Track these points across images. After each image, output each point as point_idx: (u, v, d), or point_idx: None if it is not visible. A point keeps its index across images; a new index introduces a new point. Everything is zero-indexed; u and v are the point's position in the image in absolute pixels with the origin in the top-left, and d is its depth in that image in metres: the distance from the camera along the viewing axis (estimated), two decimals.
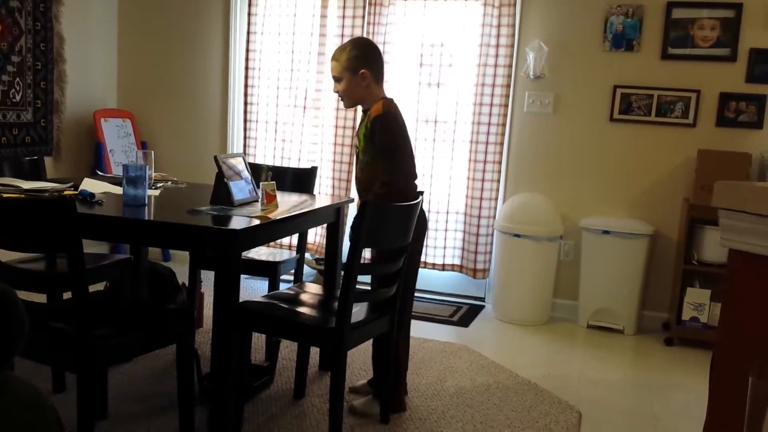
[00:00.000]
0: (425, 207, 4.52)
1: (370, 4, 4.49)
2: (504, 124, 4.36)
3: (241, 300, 2.43)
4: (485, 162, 4.37)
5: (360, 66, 2.72)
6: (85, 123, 4.87)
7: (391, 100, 2.80)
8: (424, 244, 3.02)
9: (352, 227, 2.37)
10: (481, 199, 4.41)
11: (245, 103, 4.86)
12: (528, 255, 4.18)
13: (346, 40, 4.50)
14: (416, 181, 2.88)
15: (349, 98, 2.81)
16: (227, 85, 4.97)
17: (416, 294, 4.61)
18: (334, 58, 2.78)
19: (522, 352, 3.75)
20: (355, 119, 4.55)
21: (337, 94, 2.87)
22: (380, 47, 4.41)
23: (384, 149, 2.69)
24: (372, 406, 2.83)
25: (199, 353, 2.97)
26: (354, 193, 4.62)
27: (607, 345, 3.96)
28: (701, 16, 4.03)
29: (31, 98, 4.42)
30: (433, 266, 4.59)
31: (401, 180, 2.74)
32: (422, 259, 4.55)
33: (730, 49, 4.00)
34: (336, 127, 4.61)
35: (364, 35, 4.50)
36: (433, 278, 4.69)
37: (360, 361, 3.37)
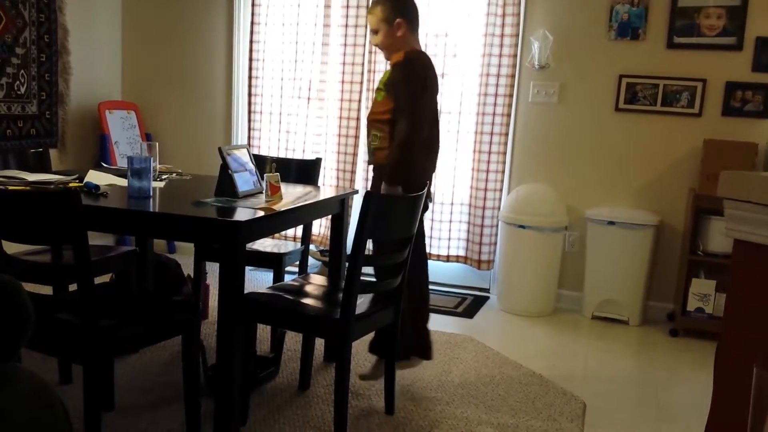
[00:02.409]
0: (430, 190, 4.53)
1: None
2: (509, 115, 4.34)
3: (246, 291, 2.43)
4: (490, 153, 4.36)
5: (395, 15, 2.77)
6: (89, 115, 4.87)
7: (418, 51, 2.80)
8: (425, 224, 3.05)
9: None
10: (485, 189, 4.40)
11: (249, 95, 4.85)
12: (533, 246, 4.18)
13: (350, 30, 4.51)
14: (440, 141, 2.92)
15: (387, 49, 2.83)
16: (231, 77, 4.96)
17: None
18: (370, 11, 2.84)
19: (527, 343, 3.75)
20: (359, 110, 4.55)
21: (376, 48, 2.94)
22: None
23: (400, 99, 2.69)
24: (380, 366, 2.89)
25: (205, 344, 2.99)
26: (358, 185, 4.64)
27: (612, 336, 3.96)
28: (707, 5, 4.00)
29: (35, 90, 4.42)
30: (438, 257, 4.59)
31: (425, 127, 2.73)
32: (427, 250, 4.57)
33: (737, 38, 3.98)
34: (340, 118, 4.60)
35: (368, 25, 4.48)
36: (437, 269, 4.69)
37: (365, 352, 3.37)
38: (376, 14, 2.80)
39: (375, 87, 2.91)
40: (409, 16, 2.78)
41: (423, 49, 4.42)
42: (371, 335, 2.98)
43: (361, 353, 3.35)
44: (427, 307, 3.07)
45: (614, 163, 4.28)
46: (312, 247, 4.60)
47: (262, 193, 2.75)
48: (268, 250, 3.41)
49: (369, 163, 3.15)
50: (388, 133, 2.82)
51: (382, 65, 4.46)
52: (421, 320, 3.02)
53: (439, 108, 2.91)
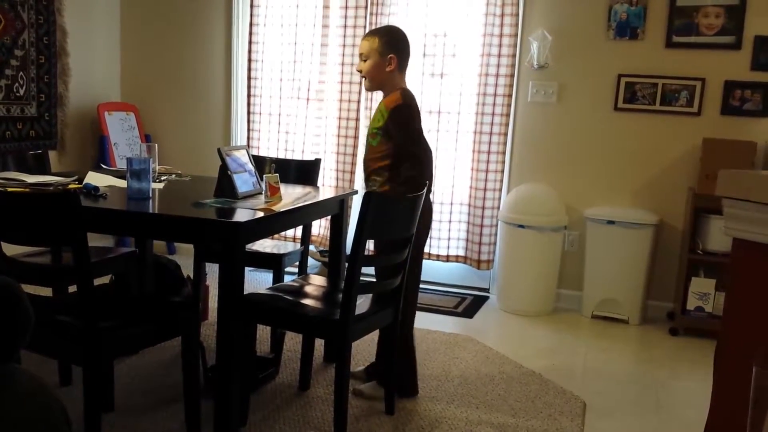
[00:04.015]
0: (429, 197, 4.53)
1: None
2: (508, 114, 4.34)
3: (245, 292, 2.43)
4: (489, 152, 4.37)
5: (389, 51, 2.78)
6: (88, 116, 4.87)
7: (408, 91, 2.83)
8: (429, 235, 3.03)
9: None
10: (485, 189, 4.40)
11: (248, 96, 4.85)
12: (532, 245, 4.18)
13: (348, 31, 4.51)
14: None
15: (372, 80, 2.85)
16: (230, 78, 4.96)
17: (421, 285, 4.64)
18: (367, 37, 2.84)
19: (526, 343, 3.75)
20: (358, 111, 4.55)
21: (359, 75, 2.92)
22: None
23: (406, 142, 2.73)
24: (377, 390, 2.86)
25: (205, 345, 2.98)
26: (358, 185, 4.64)
27: (612, 335, 3.96)
28: (706, 4, 4.00)
29: (34, 92, 4.42)
30: (438, 257, 4.59)
31: (427, 172, 2.78)
32: (426, 250, 4.58)
33: (735, 37, 3.98)
34: (339, 119, 4.61)
35: (367, 26, 4.49)
36: (437, 269, 4.69)
37: (364, 352, 3.37)
38: (371, 43, 2.80)
39: (368, 130, 2.91)
40: (402, 56, 2.83)
41: (421, 50, 4.47)
42: (368, 360, 2.98)
43: (362, 353, 3.35)
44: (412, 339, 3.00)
45: (613, 163, 4.29)
46: (311, 247, 4.61)
47: (261, 193, 2.75)
48: (268, 250, 3.41)
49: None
50: (387, 177, 2.78)
51: None
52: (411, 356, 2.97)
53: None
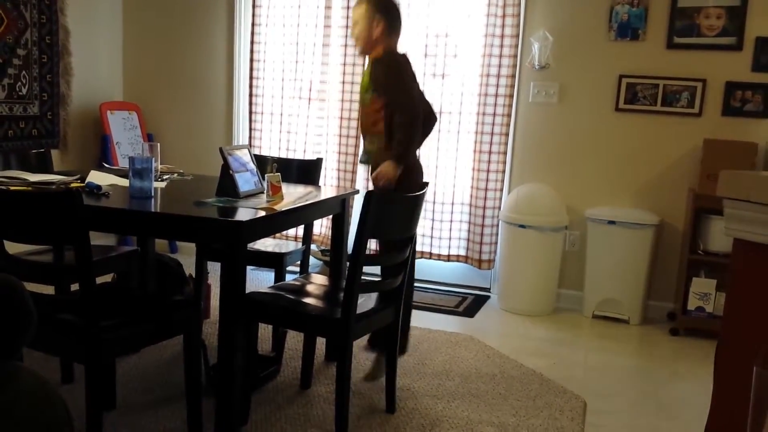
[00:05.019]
0: (430, 197, 4.55)
1: None
2: (509, 115, 4.35)
3: (247, 291, 2.44)
4: (490, 153, 4.37)
5: (376, 14, 2.89)
6: (91, 116, 4.88)
7: (396, 53, 2.89)
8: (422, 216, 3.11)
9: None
10: (486, 189, 4.41)
11: (250, 95, 4.86)
12: (533, 245, 4.18)
13: (350, 31, 4.51)
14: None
15: (361, 41, 2.98)
16: (232, 77, 4.97)
17: (422, 285, 4.66)
18: (357, 4, 2.98)
19: (527, 342, 3.75)
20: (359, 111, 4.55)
21: (354, 44, 3.06)
22: None
23: (392, 90, 2.77)
24: (380, 363, 2.94)
25: (206, 344, 2.99)
26: (359, 184, 4.64)
27: (613, 335, 3.96)
28: (707, 5, 4.00)
29: (37, 91, 4.43)
30: (439, 257, 4.60)
31: (419, 111, 2.81)
32: (428, 249, 4.60)
33: (736, 38, 3.98)
34: (341, 118, 4.61)
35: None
36: (438, 269, 4.70)
37: (366, 351, 3.38)
38: (360, 8, 2.95)
39: (359, 92, 3.00)
40: (390, 19, 2.93)
41: (423, 51, 4.48)
42: (368, 359, 3.03)
43: (362, 353, 3.35)
44: (409, 309, 3.12)
45: (614, 163, 4.29)
46: (313, 246, 4.61)
47: (263, 193, 2.76)
48: (270, 249, 3.42)
49: (364, 161, 3.19)
50: (385, 133, 2.88)
51: None
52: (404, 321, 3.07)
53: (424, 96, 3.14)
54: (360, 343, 3.41)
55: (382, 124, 2.91)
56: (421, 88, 4.41)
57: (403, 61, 2.90)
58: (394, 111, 2.84)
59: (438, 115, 4.49)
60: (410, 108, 2.84)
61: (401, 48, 3.08)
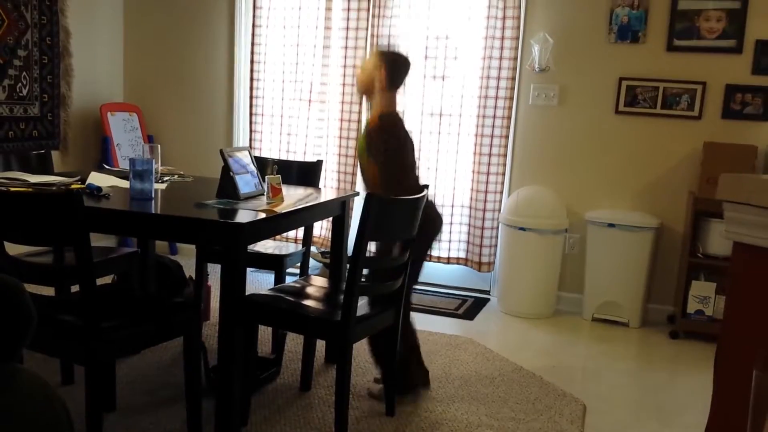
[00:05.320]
0: (430, 200, 4.54)
1: None
2: (509, 117, 4.35)
3: (247, 293, 2.44)
4: (490, 155, 4.37)
5: (382, 64, 2.91)
6: (91, 117, 4.88)
7: (389, 114, 2.87)
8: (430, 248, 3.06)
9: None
10: (486, 192, 4.41)
11: (251, 97, 4.86)
12: (533, 248, 4.18)
13: (351, 33, 4.53)
14: (420, 175, 2.97)
15: (360, 82, 3.01)
16: (233, 79, 4.97)
17: (422, 287, 4.65)
18: (371, 55, 3.07)
19: (527, 345, 3.75)
20: (360, 112, 4.56)
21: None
22: (385, 40, 4.44)
23: (383, 177, 2.78)
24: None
25: (206, 346, 2.99)
26: (359, 186, 4.64)
27: (612, 338, 3.96)
28: (707, 8, 4.01)
29: (37, 92, 4.43)
30: (438, 260, 4.60)
31: (402, 188, 2.79)
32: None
33: (736, 41, 3.99)
34: (341, 120, 4.61)
35: (369, 28, 4.51)
36: (438, 271, 4.70)
37: (366, 354, 3.38)
38: (372, 57, 3.01)
39: (357, 151, 3.03)
40: (393, 73, 2.93)
41: (423, 53, 4.48)
42: (367, 361, 3.00)
43: (362, 355, 3.35)
44: (416, 340, 3.06)
45: (614, 166, 4.29)
46: (313, 248, 4.61)
47: (263, 195, 2.76)
48: (270, 251, 3.42)
49: None
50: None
51: None
52: (415, 351, 3.03)
53: (417, 157, 3.16)
54: (360, 345, 3.41)
55: (379, 187, 2.90)
56: (421, 91, 4.45)
57: (396, 136, 2.86)
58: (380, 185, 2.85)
59: (438, 117, 4.51)
60: (389, 189, 2.83)
61: (397, 101, 3.08)
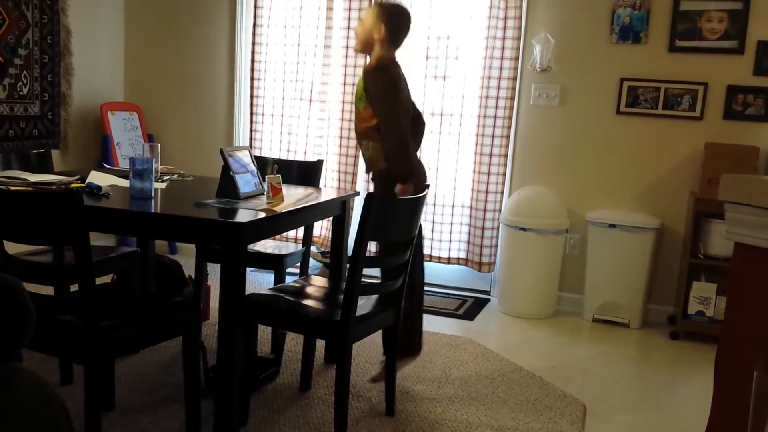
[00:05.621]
0: (430, 199, 4.54)
1: None
2: (510, 117, 4.35)
3: (247, 293, 2.44)
4: (491, 155, 4.37)
5: (382, 20, 2.94)
6: (92, 116, 4.88)
7: (389, 59, 2.90)
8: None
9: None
10: (486, 192, 4.41)
11: (251, 96, 4.86)
12: (534, 248, 4.18)
13: (352, 32, 4.51)
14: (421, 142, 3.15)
15: (359, 39, 3.04)
16: (233, 79, 4.97)
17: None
18: (371, 5, 3.03)
19: (527, 346, 3.75)
20: None
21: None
22: None
23: (380, 116, 2.81)
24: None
25: (206, 345, 2.99)
26: (360, 186, 4.64)
27: (613, 339, 3.96)
28: (709, 8, 4.00)
29: (38, 91, 4.43)
30: (439, 260, 4.59)
31: (407, 126, 2.85)
32: (428, 252, 4.60)
33: (738, 42, 3.98)
34: (342, 120, 4.61)
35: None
36: (438, 272, 4.69)
37: (366, 354, 3.38)
38: (371, 10, 3.01)
39: (354, 97, 3.05)
40: (393, 29, 3.00)
41: (424, 53, 4.48)
42: (367, 361, 3.01)
43: (362, 355, 3.35)
44: (421, 308, 3.13)
45: (615, 166, 4.29)
46: (313, 248, 4.61)
47: (263, 194, 2.75)
48: (269, 251, 3.42)
49: (367, 171, 3.20)
50: (379, 139, 2.93)
51: None
52: (417, 320, 3.07)
53: (413, 100, 3.17)
54: (359, 345, 3.41)
55: (373, 129, 2.97)
56: (422, 91, 4.45)
57: (393, 76, 2.94)
58: (381, 126, 2.90)
59: (439, 117, 4.51)
60: (392, 126, 2.89)
61: (401, 54, 3.11)
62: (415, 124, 3.08)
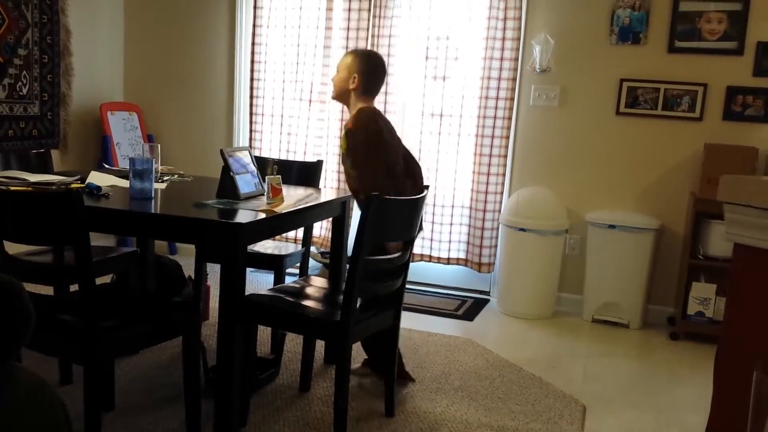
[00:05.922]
0: (430, 200, 4.55)
1: None
2: (510, 118, 4.35)
3: (246, 293, 2.44)
4: (491, 156, 4.37)
5: (357, 70, 2.89)
6: (91, 116, 4.88)
7: (368, 112, 2.84)
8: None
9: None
10: (486, 192, 4.41)
11: (251, 97, 4.86)
12: (533, 249, 4.18)
13: (351, 33, 4.52)
14: (419, 174, 2.99)
15: (335, 88, 2.99)
16: (233, 79, 4.97)
17: (421, 287, 4.65)
18: (345, 54, 3.00)
19: (527, 346, 3.75)
20: None
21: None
22: (386, 40, 4.44)
23: (364, 179, 2.77)
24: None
25: (205, 346, 2.99)
26: None
27: (612, 339, 3.96)
28: (708, 9, 4.01)
29: (37, 91, 4.43)
30: (438, 260, 4.60)
31: (387, 187, 2.76)
32: (427, 252, 4.60)
33: (738, 43, 3.98)
34: (342, 120, 4.61)
35: (370, 28, 4.50)
36: (438, 272, 4.69)
37: (365, 354, 3.37)
38: (346, 59, 2.95)
39: (340, 149, 3.00)
40: (368, 80, 2.90)
41: (424, 53, 4.47)
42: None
43: (362, 355, 3.35)
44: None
45: (615, 167, 4.29)
46: (313, 249, 4.61)
47: (263, 195, 2.75)
48: (269, 251, 3.42)
49: None
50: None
51: None
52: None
53: (403, 144, 3.06)
54: (359, 346, 3.41)
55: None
56: (422, 91, 4.44)
57: (375, 131, 2.80)
58: (357, 179, 2.82)
59: (439, 118, 4.51)
60: (367, 185, 2.79)
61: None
62: (410, 166, 2.99)
